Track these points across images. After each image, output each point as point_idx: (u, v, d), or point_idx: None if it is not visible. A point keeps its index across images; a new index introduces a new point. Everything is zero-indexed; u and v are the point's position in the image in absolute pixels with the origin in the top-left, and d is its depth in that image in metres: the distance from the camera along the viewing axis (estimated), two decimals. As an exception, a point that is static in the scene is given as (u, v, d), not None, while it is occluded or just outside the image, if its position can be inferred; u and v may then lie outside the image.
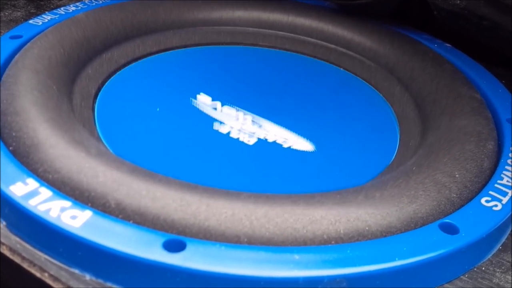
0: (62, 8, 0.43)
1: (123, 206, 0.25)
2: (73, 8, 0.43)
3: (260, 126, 0.38)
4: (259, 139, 0.36)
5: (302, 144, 0.36)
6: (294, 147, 0.36)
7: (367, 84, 0.44)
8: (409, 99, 0.41)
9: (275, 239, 0.25)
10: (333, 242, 0.25)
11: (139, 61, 0.43)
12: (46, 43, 0.37)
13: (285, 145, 0.36)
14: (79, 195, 0.26)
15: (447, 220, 0.27)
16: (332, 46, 0.47)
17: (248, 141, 0.36)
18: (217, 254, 0.24)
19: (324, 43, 0.47)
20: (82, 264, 0.24)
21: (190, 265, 0.23)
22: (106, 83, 0.40)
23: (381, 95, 0.43)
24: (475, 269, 0.28)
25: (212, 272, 0.23)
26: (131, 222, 0.25)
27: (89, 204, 0.26)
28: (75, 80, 0.37)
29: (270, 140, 0.36)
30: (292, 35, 0.49)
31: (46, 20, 0.41)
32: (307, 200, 0.26)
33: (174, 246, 0.24)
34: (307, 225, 0.25)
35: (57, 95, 0.33)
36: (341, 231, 0.26)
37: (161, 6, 0.46)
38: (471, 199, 0.29)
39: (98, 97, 0.38)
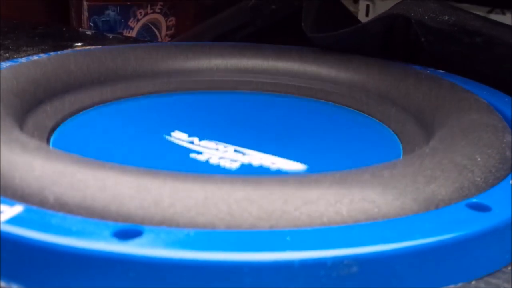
0: (23, 58, 0.40)
1: (64, 200, 0.20)
2: (36, 58, 0.40)
3: (244, 154, 0.33)
4: (242, 164, 0.31)
5: (293, 165, 0.31)
6: (284, 168, 0.31)
7: (359, 112, 0.40)
8: (408, 116, 0.36)
9: (261, 224, 0.19)
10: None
11: (106, 103, 0.39)
12: None
13: (273, 167, 0.31)
14: (12, 195, 0.21)
15: (474, 200, 0.22)
16: (318, 84, 0.43)
17: (230, 166, 0.31)
18: (183, 240, 0.18)
19: (310, 84, 0.44)
20: (8, 271, 0.19)
21: (147, 253, 0.17)
22: (67, 120, 0.35)
23: (376, 118, 0.39)
24: (519, 259, 0.22)
25: (177, 259, 0.17)
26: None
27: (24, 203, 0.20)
28: (29, 113, 0.33)
29: (256, 164, 0.31)
30: (275, 77, 0.45)
31: (4, 67, 0.37)
32: (299, 180, 0.21)
33: (127, 235, 0.18)
34: (300, 207, 0.20)
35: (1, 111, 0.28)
36: (344, 213, 0.20)
37: (132, 53, 0.43)
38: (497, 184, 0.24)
39: (56, 131, 0.33)
